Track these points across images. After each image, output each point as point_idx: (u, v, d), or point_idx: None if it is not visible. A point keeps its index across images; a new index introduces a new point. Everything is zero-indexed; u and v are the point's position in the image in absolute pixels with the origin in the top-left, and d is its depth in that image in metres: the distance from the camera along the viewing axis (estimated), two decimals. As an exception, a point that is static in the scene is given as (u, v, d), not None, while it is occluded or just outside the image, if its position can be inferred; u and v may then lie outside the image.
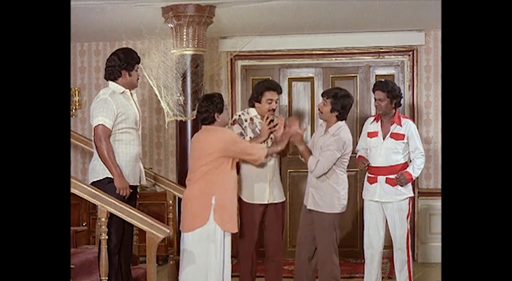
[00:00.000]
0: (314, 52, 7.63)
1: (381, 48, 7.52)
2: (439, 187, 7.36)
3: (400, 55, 7.53)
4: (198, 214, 4.81)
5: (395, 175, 5.48)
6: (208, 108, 4.93)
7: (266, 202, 5.33)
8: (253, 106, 5.39)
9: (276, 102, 5.32)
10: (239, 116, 5.40)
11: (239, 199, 5.28)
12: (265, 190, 5.33)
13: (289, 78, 7.74)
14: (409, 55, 7.49)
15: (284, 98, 7.69)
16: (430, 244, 7.21)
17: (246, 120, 5.36)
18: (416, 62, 7.47)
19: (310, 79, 7.73)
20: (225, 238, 4.85)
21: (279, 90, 5.37)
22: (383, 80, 5.88)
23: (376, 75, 7.58)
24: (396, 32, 7.41)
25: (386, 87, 5.54)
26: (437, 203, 7.14)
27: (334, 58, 7.65)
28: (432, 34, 7.43)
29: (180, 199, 6.08)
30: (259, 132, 5.32)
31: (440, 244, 6.68)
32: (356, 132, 7.54)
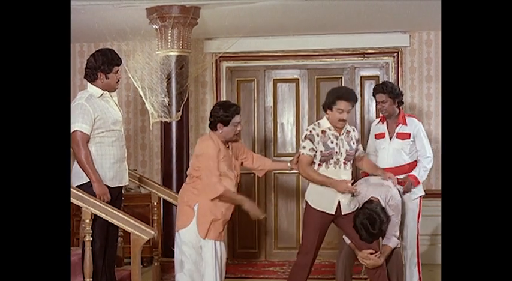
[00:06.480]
0: (299, 53, 7.63)
1: (366, 50, 7.53)
2: (439, 187, 7.33)
3: (385, 56, 7.54)
4: (183, 215, 4.81)
5: (402, 178, 5.35)
6: (217, 114, 4.78)
7: (332, 213, 5.00)
8: (326, 112, 5.06)
9: (347, 113, 4.96)
10: (310, 131, 5.01)
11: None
12: (334, 199, 4.99)
13: (274, 79, 7.74)
14: (394, 57, 7.50)
15: (269, 99, 7.69)
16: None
17: (317, 135, 4.98)
18: (401, 63, 7.49)
19: (295, 80, 7.73)
20: (215, 242, 4.78)
21: (351, 101, 4.98)
22: (381, 82, 5.84)
23: (361, 77, 7.60)
24: (381, 34, 7.42)
25: (386, 88, 5.48)
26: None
27: (319, 59, 7.65)
28: (417, 36, 7.46)
29: (165, 201, 6.07)
30: (331, 145, 4.97)
31: (439, 245, 6.67)
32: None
